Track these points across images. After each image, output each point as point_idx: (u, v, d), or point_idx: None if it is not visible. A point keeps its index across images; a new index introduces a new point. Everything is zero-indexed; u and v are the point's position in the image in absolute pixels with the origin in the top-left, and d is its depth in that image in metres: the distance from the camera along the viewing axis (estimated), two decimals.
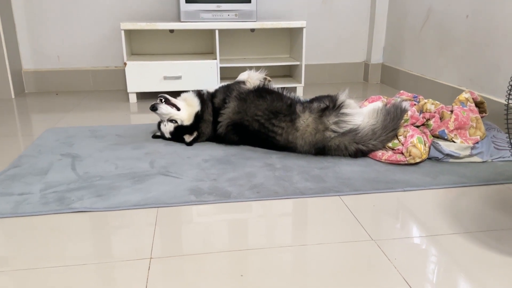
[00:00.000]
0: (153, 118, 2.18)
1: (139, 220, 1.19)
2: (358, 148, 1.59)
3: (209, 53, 2.88)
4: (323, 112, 1.62)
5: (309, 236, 1.11)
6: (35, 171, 1.50)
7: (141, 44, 2.83)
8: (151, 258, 1.02)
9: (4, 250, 1.06)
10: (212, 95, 1.83)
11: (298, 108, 1.67)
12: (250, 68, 2.06)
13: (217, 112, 1.77)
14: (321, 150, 1.62)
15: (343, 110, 1.62)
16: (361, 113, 1.68)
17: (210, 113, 1.78)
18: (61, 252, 1.05)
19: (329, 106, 1.63)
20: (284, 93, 1.77)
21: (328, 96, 1.70)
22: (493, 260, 1.01)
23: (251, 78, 1.88)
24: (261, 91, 1.76)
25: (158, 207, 1.26)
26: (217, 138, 1.79)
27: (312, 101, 1.72)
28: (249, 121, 1.70)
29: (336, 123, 1.59)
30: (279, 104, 1.69)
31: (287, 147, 1.67)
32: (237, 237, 1.11)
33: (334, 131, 1.59)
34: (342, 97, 1.67)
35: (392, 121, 1.62)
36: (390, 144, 1.62)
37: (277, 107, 1.69)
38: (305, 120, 1.63)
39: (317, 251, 1.05)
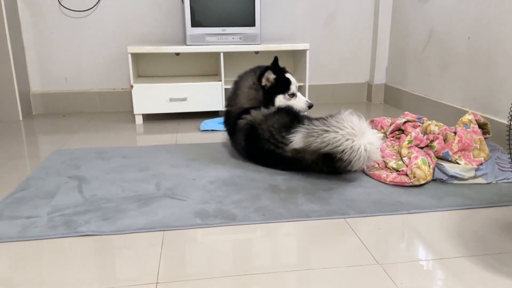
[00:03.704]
0: (159, 140, 2.21)
1: (145, 243, 1.20)
2: None
3: (214, 75, 2.92)
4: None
5: (314, 260, 1.11)
6: (42, 194, 1.52)
7: (147, 66, 2.87)
8: (157, 282, 1.03)
9: (11, 274, 1.06)
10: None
11: (306, 123, 1.70)
12: None
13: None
14: (328, 158, 1.60)
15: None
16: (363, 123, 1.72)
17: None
18: (68, 277, 1.05)
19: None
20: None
21: (329, 116, 1.72)
22: (501, 285, 1.00)
23: None
24: (288, 111, 1.80)
25: (164, 230, 1.27)
26: (233, 130, 1.86)
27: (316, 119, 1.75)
28: (264, 129, 1.73)
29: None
30: (291, 121, 1.73)
31: (294, 159, 1.67)
32: (243, 261, 1.11)
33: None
34: (346, 114, 1.69)
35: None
36: (394, 166, 1.63)
37: (288, 122, 1.72)
38: None
39: (322, 275, 1.05)
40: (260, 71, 1.91)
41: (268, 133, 1.72)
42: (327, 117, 1.63)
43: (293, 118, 1.72)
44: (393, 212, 1.36)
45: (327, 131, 1.52)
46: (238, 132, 1.83)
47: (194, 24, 2.52)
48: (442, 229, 1.27)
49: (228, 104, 1.98)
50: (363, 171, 1.67)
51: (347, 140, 1.50)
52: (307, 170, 1.70)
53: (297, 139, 1.57)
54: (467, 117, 1.72)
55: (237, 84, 1.96)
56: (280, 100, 1.92)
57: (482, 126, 1.76)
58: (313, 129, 1.54)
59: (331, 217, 1.33)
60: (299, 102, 1.97)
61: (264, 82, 1.90)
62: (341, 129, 1.51)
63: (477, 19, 2.10)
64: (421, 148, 1.72)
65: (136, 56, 2.79)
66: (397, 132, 1.90)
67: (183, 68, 2.92)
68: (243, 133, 1.79)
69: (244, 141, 1.80)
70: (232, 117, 1.89)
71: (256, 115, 1.79)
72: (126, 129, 2.45)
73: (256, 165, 1.80)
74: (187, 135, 2.31)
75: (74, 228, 1.27)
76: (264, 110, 1.80)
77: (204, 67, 2.94)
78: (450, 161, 1.62)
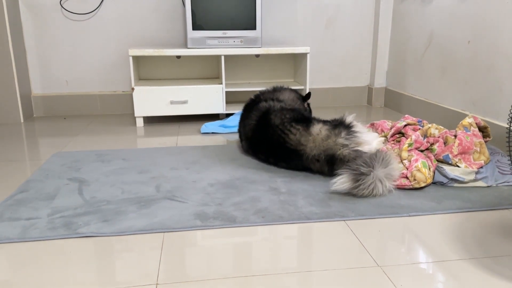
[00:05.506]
0: (160, 142, 2.21)
1: (145, 245, 1.20)
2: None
3: (215, 78, 2.93)
4: (336, 126, 1.71)
5: (315, 262, 1.11)
6: (42, 196, 1.52)
7: (148, 69, 2.88)
8: (157, 284, 1.03)
9: (10, 275, 1.07)
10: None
11: (313, 121, 1.78)
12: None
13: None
14: (330, 158, 1.64)
15: (354, 129, 1.70)
16: (372, 133, 1.77)
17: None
18: (67, 278, 1.05)
19: (341, 124, 1.72)
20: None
21: (335, 120, 1.78)
22: (500, 287, 1.00)
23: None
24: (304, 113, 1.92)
25: (164, 232, 1.27)
26: (250, 110, 1.96)
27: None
28: (277, 115, 1.81)
29: (347, 134, 1.66)
30: (302, 117, 1.82)
31: (295, 151, 1.71)
32: (243, 263, 1.11)
33: (346, 139, 1.65)
34: (349, 119, 1.76)
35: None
36: None
37: (300, 117, 1.81)
38: (319, 128, 1.71)
39: (322, 277, 1.05)
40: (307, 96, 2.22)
41: (279, 120, 1.79)
42: (374, 156, 1.53)
43: (306, 118, 1.80)
44: (393, 215, 1.36)
45: (380, 181, 1.50)
46: (254, 112, 1.93)
47: (195, 27, 2.53)
48: (442, 231, 1.26)
49: (262, 92, 2.10)
50: None
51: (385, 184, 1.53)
52: (306, 167, 1.72)
53: (344, 183, 1.49)
54: (467, 120, 1.72)
55: (280, 90, 2.13)
56: None
57: (482, 129, 1.76)
58: (365, 178, 1.48)
59: (331, 220, 1.33)
60: None
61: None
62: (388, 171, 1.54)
63: (477, 23, 2.11)
64: (421, 151, 1.72)
65: (137, 59, 2.80)
66: (397, 136, 1.90)
67: (184, 71, 2.93)
68: (259, 114, 1.89)
69: (255, 121, 1.88)
70: (257, 101, 1.99)
71: (276, 104, 1.91)
72: (127, 132, 2.45)
73: (255, 168, 1.81)
74: (188, 138, 2.31)
75: (74, 229, 1.27)
76: (283, 104, 1.92)
77: (205, 70, 2.95)
78: (451, 164, 1.62)
